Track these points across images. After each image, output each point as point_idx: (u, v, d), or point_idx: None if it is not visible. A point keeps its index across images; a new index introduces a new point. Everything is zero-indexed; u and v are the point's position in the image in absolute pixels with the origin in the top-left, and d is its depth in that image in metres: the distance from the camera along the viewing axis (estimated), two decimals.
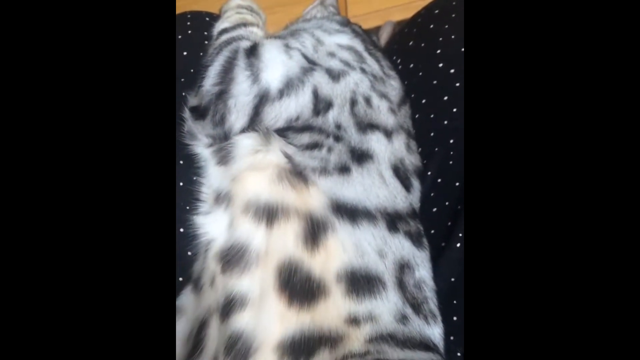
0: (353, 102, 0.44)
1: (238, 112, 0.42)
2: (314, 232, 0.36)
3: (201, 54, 0.50)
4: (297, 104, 0.42)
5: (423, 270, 0.40)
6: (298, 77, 0.43)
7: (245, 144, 0.41)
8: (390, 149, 0.43)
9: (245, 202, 0.39)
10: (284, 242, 0.36)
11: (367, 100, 0.45)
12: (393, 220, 0.40)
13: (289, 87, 0.42)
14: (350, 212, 0.38)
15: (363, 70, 0.47)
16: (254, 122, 0.42)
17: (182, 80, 0.49)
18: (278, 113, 0.42)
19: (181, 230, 0.42)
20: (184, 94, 0.47)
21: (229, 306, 0.35)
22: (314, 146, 0.41)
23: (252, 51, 0.44)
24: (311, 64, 0.44)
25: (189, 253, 0.42)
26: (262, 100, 0.42)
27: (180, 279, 0.41)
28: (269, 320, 0.34)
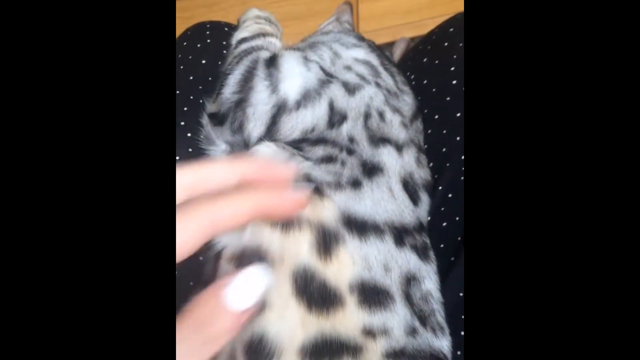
0: (367, 116, 0.44)
1: (256, 120, 0.43)
2: (326, 242, 0.37)
3: (219, 62, 0.51)
4: (313, 116, 0.43)
5: (429, 283, 0.40)
6: (315, 89, 0.44)
7: (264, 153, 0.42)
8: (400, 162, 0.44)
9: None
10: (298, 249, 0.37)
11: (381, 115, 0.45)
12: (400, 234, 0.40)
13: (306, 98, 0.43)
14: (360, 226, 0.38)
15: (378, 85, 0.47)
16: (271, 132, 0.43)
17: (200, 87, 0.50)
18: (295, 124, 0.43)
19: None
20: (201, 100, 0.48)
21: None
22: (328, 160, 0.41)
23: (272, 62, 0.45)
24: (328, 77, 0.45)
25: (201, 258, 0.42)
26: (279, 110, 0.43)
27: (192, 283, 0.42)
28: (291, 324, 0.34)
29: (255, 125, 0.43)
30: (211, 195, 0.26)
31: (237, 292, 0.25)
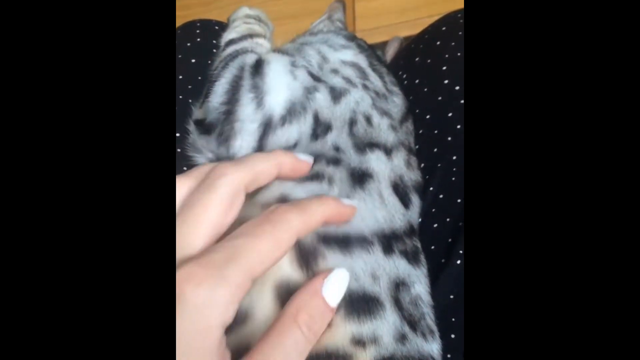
0: (352, 122, 0.43)
1: (243, 139, 0.42)
2: (306, 259, 0.36)
3: (209, 61, 0.51)
4: (299, 131, 0.42)
5: (419, 287, 0.39)
6: (301, 102, 0.43)
7: None
8: (390, 166, 0.43)
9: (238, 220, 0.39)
10: (278, 265, 0.36)
11: (368, 119, 0.44)
12: (389, 242, 0.39)
13: (291, 113, 0.42)
14: (341, 241, 0.37)
15: (365, 87, 0.47)
16: (257, 151, 0.42)
17: (190, 87, 0.49)
18: (280, 141, 0.42)
19: None
20: (190, 100, 0.47)
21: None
22: (314, 177, 0.40)
23: (257, 69, 0.44)
24: (316, 81, 0.45)
25: None
26: (266, 129, 0.42)
27: None
28: None
29: (242, 145, 0.42)
30: (294, 206, 0.30)
31: (334, 290, 0.30)
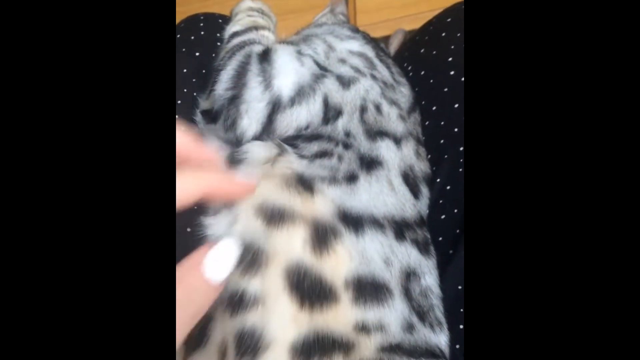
0: (363, 109, 0.44)
1: (250, 118, 0.42)
2: (321, 238, 0.36)
3: (213, 54, 0.51)
4: (308, 113, 0.42)
5: (429, 278, 0.40)
6: (309, 85, 0.43)
7: (256, 151, 0.41)
8: (399, 155, 0.43)
9: (251, 202, 0.38)
10: (290, 245, 0.36)
11: (377, 108, 0.44)
12: (400, 229, 0.40)
13: (300, 95, 0.42)
14: (355, 221, 0.38)
15: (373, 77, 0.47)
16: (266, 131, 0.42)
17: (194, 80, 0.49)
18: (290, 122, 0.42)
19: (188, 229, 0.42)
20: (195, 94, 0.47)
21: (237, 302, 0.35)
22: (323, 154, 0.40)
23: (265, 56, 0.44)
24: (322, 70, 0.44)
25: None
26: (274, 107, 0.42)
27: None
28: (282, 321, 0.34)
29: (250, 123, 0.42)
30: None
31: (216, 265, 0.24)
